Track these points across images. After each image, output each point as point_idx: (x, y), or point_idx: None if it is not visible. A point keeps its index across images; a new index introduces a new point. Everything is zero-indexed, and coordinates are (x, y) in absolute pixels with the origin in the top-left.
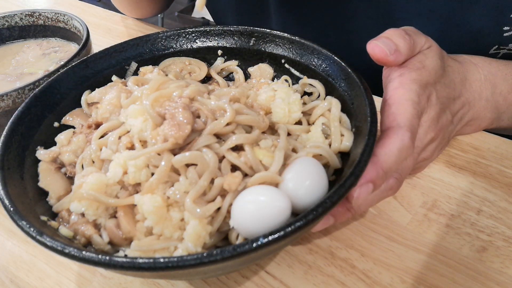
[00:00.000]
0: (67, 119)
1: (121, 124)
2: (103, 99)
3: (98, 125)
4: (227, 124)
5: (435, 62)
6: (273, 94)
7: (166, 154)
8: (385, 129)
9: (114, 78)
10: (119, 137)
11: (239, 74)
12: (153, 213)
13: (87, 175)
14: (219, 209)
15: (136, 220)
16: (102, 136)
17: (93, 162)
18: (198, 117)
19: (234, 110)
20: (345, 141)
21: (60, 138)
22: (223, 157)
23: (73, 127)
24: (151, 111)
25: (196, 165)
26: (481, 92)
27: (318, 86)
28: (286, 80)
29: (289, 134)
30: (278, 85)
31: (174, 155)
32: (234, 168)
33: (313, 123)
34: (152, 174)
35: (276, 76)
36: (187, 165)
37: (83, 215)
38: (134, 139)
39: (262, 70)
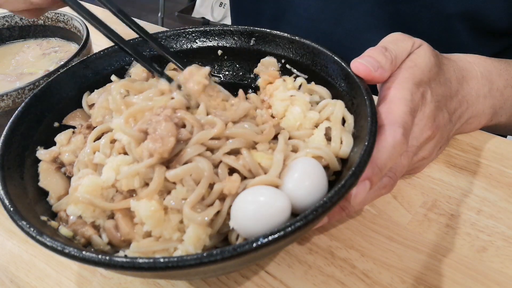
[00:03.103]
0: (69, 120)
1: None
2: (96, 102)
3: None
4: (218, 137)
5: (428, 59)
6: (289, 103)
7: (157, 168)
8: (378, 128)
9: (113, 78)
10: (110, 141)
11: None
12: (150, 217)
13: (83, 177)
14: (219, 211)
15: (135, 222)
16: (98, 138)
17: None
18: (183, 126)
19: (223, 122)
20: (344, 147)
21: (60, 138)
22: (220, 161)
23: (74, 127)
24: (127, 130)
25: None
26: (478, 89)
27: (323, 92)
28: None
29: (291, 138)
30: (296, 92)
31: (166, 166)
32: (231, 171)
33: (317, 126)
34: (146, 182)
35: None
36: None
37: (81, 216)
38: (126, 148)
39: (266, 65)
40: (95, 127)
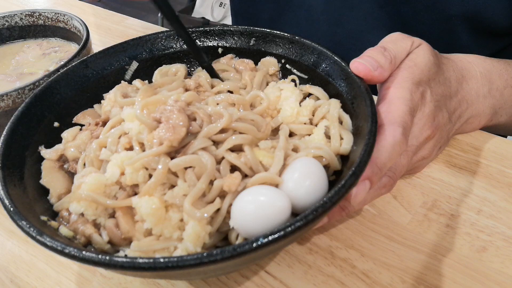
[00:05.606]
0: (79, 118)
1: (122, 121)
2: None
3: (105, 123)
4: (224, 130)
5: (427, 59)
6: (279, 93)
7: (162, 157)
8: (377, 127)
9: (137, 82)
10: (119, 137)
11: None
12: (151, 215)
13: (86, 175)
14: (219, 209)
15: (135, 220)
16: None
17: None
18: (194, 120)
19: (230, 115)
20: (345, 144)
21: (66, 134)
22: (222, 158)
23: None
24: (142, 116)
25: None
26: (478, 89)
27: (319, 94)
28: (293, 80)
29: (292, 133)
30: (284, 84)
31: (172, 157)
32: (233, 169)
33: (316, 125)
34: (150, 175)
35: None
36: (185, 168)
37: (83, 214)
38: (133, 140)
39: (266, 64)
40: (106, 122)
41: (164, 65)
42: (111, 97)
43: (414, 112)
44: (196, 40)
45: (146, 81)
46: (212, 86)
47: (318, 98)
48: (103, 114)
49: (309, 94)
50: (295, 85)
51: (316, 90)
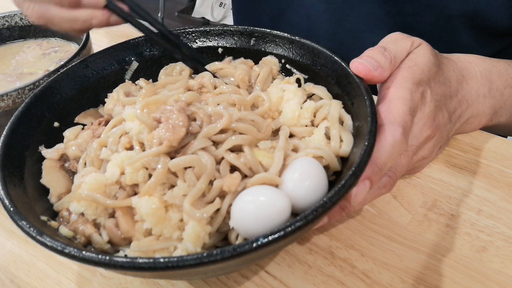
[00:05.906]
0: (81, 118)
1: (123, 120)
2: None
3: (107, 122)
4: (224, 131)
5: (427, 59)
6: (282, 94)
7: (162, 157)
8: (377, 127)
9: (141, 81)
10: (120, 137)
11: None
12: (151, 215)
13: (86, 175)
14: (218, 209)
15: (135, 220)
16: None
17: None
18: (194, 120)
19: (230, 115)
20: (344, 146)
21: (68, 133)
22: (222, 158)
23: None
24: (142, 116)
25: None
26: (478, 89)
27: (322, 94)
28: (298, 79)
29: (293, 135)
30: (287, 85)
31: (171, 157)
32: (233, 169)
33: (317, 126)
34: (150, 175)
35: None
36: (185, 168)
37: (83, 214)
38: (133, 140)
39: (267, 63)
40: (108, 121)
41: (170, 64)
42: (114, 95)
43: (414, 112)
44: (196, 40)
45: (150, 80)
46: (215, 87)
47: (321, 98)
48: (105, 112)
49: (313, 94)
50: (299, 85)
51: (320, 90)
